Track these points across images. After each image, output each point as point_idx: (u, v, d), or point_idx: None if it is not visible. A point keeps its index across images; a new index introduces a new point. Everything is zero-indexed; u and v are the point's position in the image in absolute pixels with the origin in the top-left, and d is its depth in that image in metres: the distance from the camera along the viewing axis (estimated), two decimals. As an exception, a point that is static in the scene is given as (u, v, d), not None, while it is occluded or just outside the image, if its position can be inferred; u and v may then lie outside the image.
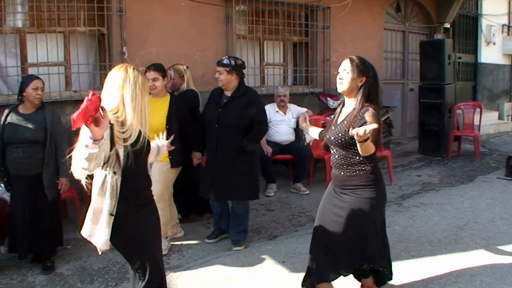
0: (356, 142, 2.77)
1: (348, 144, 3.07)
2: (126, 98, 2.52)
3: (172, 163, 4.41)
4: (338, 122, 3.19)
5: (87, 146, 2.17)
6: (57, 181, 4.26)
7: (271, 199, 6.28)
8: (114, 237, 2.57)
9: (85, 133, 2.17)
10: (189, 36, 6.66)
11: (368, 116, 2.96)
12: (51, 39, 5.73)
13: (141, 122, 2.57)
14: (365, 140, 2.72)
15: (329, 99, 7.56)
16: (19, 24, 5.73)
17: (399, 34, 9.99)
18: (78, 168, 2.28)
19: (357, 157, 3.09)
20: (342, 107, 3.28)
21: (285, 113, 6.77)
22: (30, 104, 4.12)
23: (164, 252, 4.42)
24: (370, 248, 3.16)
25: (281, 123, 6.73)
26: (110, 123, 2.37)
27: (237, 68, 4.46)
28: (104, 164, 2.47)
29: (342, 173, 3.18)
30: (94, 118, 2.09)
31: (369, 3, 8.66)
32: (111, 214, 2.53)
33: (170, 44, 6.48)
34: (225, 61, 4.45)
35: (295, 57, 8.26)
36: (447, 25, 10.37)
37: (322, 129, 3.61)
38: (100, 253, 2.64)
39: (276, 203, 6.11)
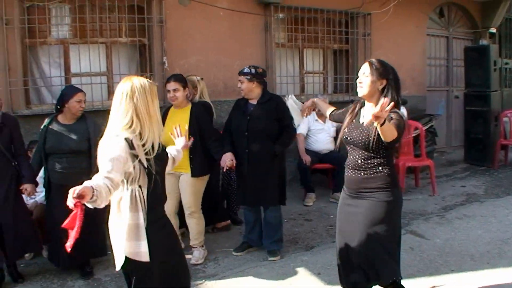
0: (377, 127, 2.71)
1: (375, 146, 3.00)
2: (139, 108, 2.52)
3: (193, 172, 4.43)
4: (360, 123, 3.13)
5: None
6: None
7: (309, 208, 6.24)
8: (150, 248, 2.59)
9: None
10: (228, 45, 6.71)
11: (393, 115, 2.90)
12: (94, 50, 5.89)
13: (156, 128, 2.60)
14: (384, 123, 2.64)
15: (369, 107, 7.45)
16: (63, 35, 5.91)
17: (443, 40, 9.75)
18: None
19: (377, 159, 3.03)
20: (360, 109, 3.22)
21: (324, 122, 6.71)
22: (72, 115, 4.22)
23: (200, 261, 4.50)
24: (385, 263, 3.10)
25: (321, 131, 6.68)
26: (126, 139, 2.46)
27: (258, 76, 4.49)
28: (127, 180, 2.50)
29: (360, 175, 3.10)
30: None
31: (411, 9, 8.49)
32: (146, 228, 2.55)
33: (209, 53, 6.55)
34: (246, 70, 4.50)
35: (335, 65, 8.19)
36: (493, 30, 10.05)
37: (335, 108, 3.59)
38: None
39: (314, 213, 6.06)
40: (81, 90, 4.32)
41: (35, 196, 4.54)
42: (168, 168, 3.04)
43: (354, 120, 3.18)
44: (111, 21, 5.94)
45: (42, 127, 4.27)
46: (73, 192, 2.15)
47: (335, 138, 6.78)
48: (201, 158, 4.46)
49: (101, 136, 2.87)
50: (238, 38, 6.82)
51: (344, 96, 7.99)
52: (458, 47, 9.78)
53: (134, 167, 2.48)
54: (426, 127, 7.58)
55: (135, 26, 6.02)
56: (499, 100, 8.52)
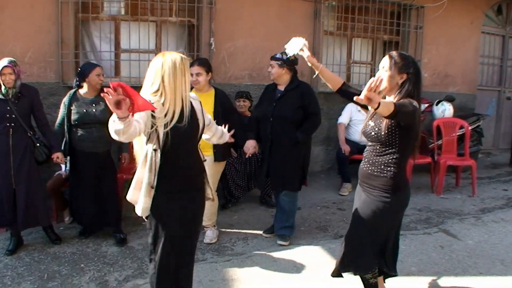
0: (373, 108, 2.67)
1: (384, 138, 2.99)
2: (165, 80, 2.63)
3: (216, 157, 4.52)
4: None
5: (114, 121, 2.34)
6: (120, 156, 4.68)
7: (344, 198, 6.25)
8: (152, 211, 2.77)
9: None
10: (276, 30, 6.72)
11: (405, 101, 2.89)
12: (144, 27, 6.04)
13: (183, 101, 2.69)
14: (378, 107, 2.61)
15: (415, 102, 7.34)
16: (115, 12, 6.09)
17: (498, 39, 9.41)
18: (114, 137, 2.45)
19: (387, 158, 3.02)
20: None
21: (367, 113, 6.65)
22: (92, 88, 4.43)
23: (213, 240, 4.64)
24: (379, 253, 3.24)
25: (362, 122, 6.62)
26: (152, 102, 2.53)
27: (289, 62, 4.53)
28: (148, 139, 2.66)
29: (368, 169, 3.12)
30: (116, 101, 2.23)
31: (466, 5, 8.25)
32: (151, 187, 2.70)
33: (256, 37, 6.59)
34: (278, 55, 4.55)
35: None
36: (554, 31, 9.65)
37: (344, 83, 3.45)
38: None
39: (349, 202, 6.05)
40: (99, 65, 4.55)
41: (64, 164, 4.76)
42: (214, 140, 3.33)
43: (375, 115, 3.13)
44: (162, 0, 6.06)
45: (65, 100, 4.47)
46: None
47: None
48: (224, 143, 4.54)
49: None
50: (287, 24, 6.82)
51: (390, 88, 7.88)
52: (515, 47, 9.44)
53: (151, 132, 2.62)
54: (473, 126, 7.40)
55: (185, 6, 6.11)
56: (552, 104, 8.23)
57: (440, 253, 4.49)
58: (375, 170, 3.07)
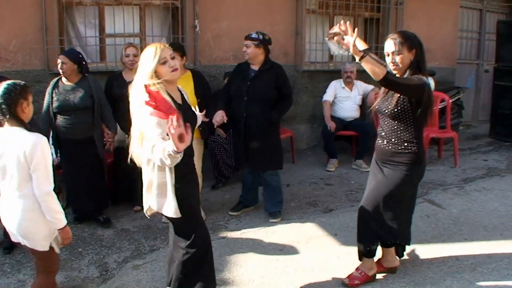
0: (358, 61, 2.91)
1: (397, 114, 3.14)
2: (157, 69, 2.79)
3: (203, 134, 4.61)
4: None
5: (169, 155, 2.43)
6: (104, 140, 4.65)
7: (331, 174, 6.40)
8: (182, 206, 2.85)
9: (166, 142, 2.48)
10: (259, 10, 6.77)
11: (413, 76, 3.05)
12: (128, 12, 6.04)
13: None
14: (363, 57, 2.84)
15: (397, 77, 7.48)
16: (99, -4, 6.07)
17: (476, 13, 9.59)
18: (158, 162, 2.59)
19: (406, 134, 3.17)
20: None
21: (351, 90, 6.79)
22: (75, 75, 4.49)
23: (204, 217, 4.66)
24: (398, 224, 3.38)
25: (347, 99, 6.77)
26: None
27: (265, 42, 4.58)
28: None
29: (389, 147, 3.26)
30: (180, 134, 2.33)
31: (446, -20, 8.39)
32: (176, 186, 2.78)
33: (240, 18, 6.62)
34: (254, 35, 4.57)
35: (365, 33, 8.17)
36: (530, 4, 9.85)
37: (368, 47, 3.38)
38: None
39: (336, 178, 6.22)
40: (62, 54, 4.54)
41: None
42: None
43: (388, 93, 3.27)
44: (146, -17, 6.06)
45: (48, 89, 4.52)
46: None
47: (361, 106, 6.89)
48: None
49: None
50: (269, 4, 6.87)
51: (372, 65, 8.00)
52: (491, 21, 9.60)
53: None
54: (453, 99, 7.57)
55: (168, -12, 6.13)
56: (529, 76, 8.44)
57: (426, 222, 4.68)
58: (398, 148, 3.21)
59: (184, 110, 2.83)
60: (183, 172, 2.83)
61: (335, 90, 6.79)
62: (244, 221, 4.76)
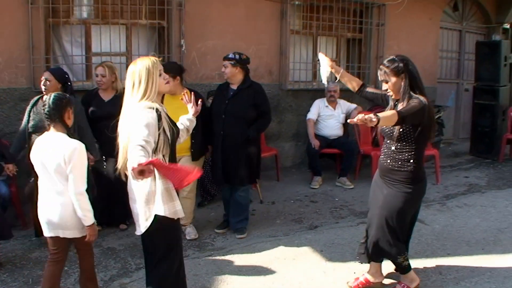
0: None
1: (401, 136, 3.29)
2: (148, 83, 2.83)
3: (193, 156, 4.66)
4: None
5: (133, 167, 2.42)
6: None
7: (315, 191, 6.46)
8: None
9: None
10: (244, 30, 6.89)
11: (412, 100, 3.20)
12: (114, 31, 6.10)
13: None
14: (378, 123, 2.94)
15: (379, 96, 7.62)
16: (85, 15, 6.12)
17: (456, 34, 9.84)
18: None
19: (406, 154, 3.31)
20: (396, 101, 3.42)
21: (334, 108, 6.91)
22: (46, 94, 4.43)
23: (196, 236, 4.80)
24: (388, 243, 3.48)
25: (330, 117, 6.88)
26: (156, 110, 2.77)
27: (242, 62, 4.68)
28: (153, 150, 2.75)
29: (388, 165, 3.41)
30: (140, 171, 2.38)
31: (425, 2, 8.59)
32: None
33: (226, 37, 6.72)
34: (230, 55, 4.69)
35: (348, 54, 8.33)
36: (507, 26, 10.13)
37: (363, 83, 3.79)
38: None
39: (320, 195, 6.29)
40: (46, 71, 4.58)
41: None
42: (182, 140, 3.33)
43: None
44: (132, 3, 6.12)
45: (28, 107, 4.49)
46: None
47: (344, 125, 6.99)
48: (201, 141, 4.71)
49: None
50: (255, 24, 7.00)
51: (355, 84, 8.15)
52: (471, 41, 9.85)
53: (159, 137, 2.77)
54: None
55: (155, 9, 6.20)
56: (507, 95, 8.65)
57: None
58: (396, 166, 3.35)
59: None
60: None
61: (318, 108, 6.89)
62: (231, 238, 4.79)
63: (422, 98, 3.22)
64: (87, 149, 4.49)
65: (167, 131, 2.83)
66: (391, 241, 3.47)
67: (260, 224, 5.18)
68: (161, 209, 2.82)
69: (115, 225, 4.97)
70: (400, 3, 7.83)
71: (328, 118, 6.87)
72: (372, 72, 8.19)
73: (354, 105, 7.03)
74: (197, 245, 4.60)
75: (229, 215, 4.94)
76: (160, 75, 2.87)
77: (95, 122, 4.63)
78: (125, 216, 4.83)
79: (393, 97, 3.39)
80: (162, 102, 4.61)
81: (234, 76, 4.70)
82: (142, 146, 2.55)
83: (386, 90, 3.39)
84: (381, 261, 3.72)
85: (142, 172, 2.37)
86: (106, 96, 4.72)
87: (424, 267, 4.07)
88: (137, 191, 2.88)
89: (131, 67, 2.87)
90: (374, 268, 3.75)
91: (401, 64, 3.28)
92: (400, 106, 3.27)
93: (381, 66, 3.36)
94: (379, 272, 3.77)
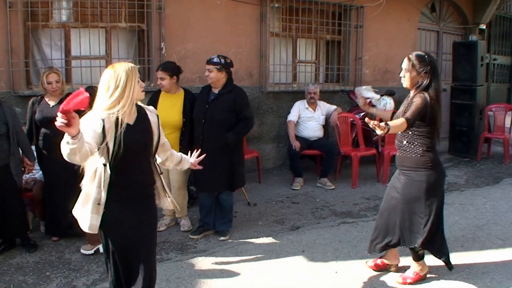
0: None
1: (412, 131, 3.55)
2: (119, 88, 2.59)
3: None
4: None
5: (67, 142, 2.28)
6: (23, 169, 4.55)
7: (297, 192, 6.50)
8: (103, 225, 2.70)
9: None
10: (224, 33, 6.92)
11: (416, 98, 3.43)
12: (94, 34, 6.09)
13: (130, 107, 2.65)
14: (388, 131, 3.16)
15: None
16: (64, 19, 6.10)
17: (433, 34, 9.99)
18: (69, 160, 2.40)
19: (414, 141, 3.55)
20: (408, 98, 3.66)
21: (314, 110, 6.96)
22: None
23: (190, 227, 4.98)
24: (416, 230, 3.68)
25: (310, 119, 6.93)
26: (102, 119, 2.55)
27: (227, 66, 4.66)
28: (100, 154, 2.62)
29: (399, 153, 3.67)
30: (68, 118, 2.20)
31: (403, 3, 8.72)
32: (98, 204, 2.64)
33: (206, 40, 6.75)
34: (216, 60, 4.63)
35: (327, 55, 8.41)
36: (483, 26, 10.30)
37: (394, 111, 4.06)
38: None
39: (302, 196, 6.33)
40: None
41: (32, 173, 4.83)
42: (170, 165, 3.22)
43: (406, 110, 3.55)
44: (111, 6, 6.11)
45: (29, 108, 4.54)
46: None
47: (324, 126, 7.06)
48: (188, 140, 4.78)
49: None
50: (234, 27, 7.03)
51: (334, 85, 8.26)
52: (448, 42, 10.01)
53: (100, 146, 2.58)
54: (413, 118, 7.81)
55: (134, 12, 6.20)
56: (484, 95, 8.83)
57: (390, 237, 4.81)
58: (404, 152, 3.64)
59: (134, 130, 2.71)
60: (121, 196, 2.70)
61: (299, 110, 6.94)
62: (213, 240, 4.79)
63: (426, 94, 3.44)
64: (24, 154, 4.51)
65: (110, 145, 2.59)
66: (412, 228, 3.71)
67: (242, 225, 5.19)
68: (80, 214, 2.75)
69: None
70: (378, 5, 7.94)
71: (309, 119, 6.92)
72: (351, 73, 8.29)
73: (334, 107, 7.11)
74: (180, 248, 4.60)
75: (210, 220, 4.89)
76: (138, 81, 2.70)
77: (41, 127, 4.57)
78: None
79: (404, 85, 3.64)
80: (157, 100, 4.76)
81: (219, 80, 4.65)
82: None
83: (403, 77, 3.61)
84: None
85: (68, 122, 2.20)
86: (52, 101, 4.62)
87: (404, 264, 4.12)
88: None
89: (108, 70, 2.66)
90: (391, 252, 4.00)
91: (428, 65, 3.51)
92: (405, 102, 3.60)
93: (411, 56, 3.57)
94: (396, 256, 4.04)
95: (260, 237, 4.87)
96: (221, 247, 4.63)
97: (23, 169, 4.56)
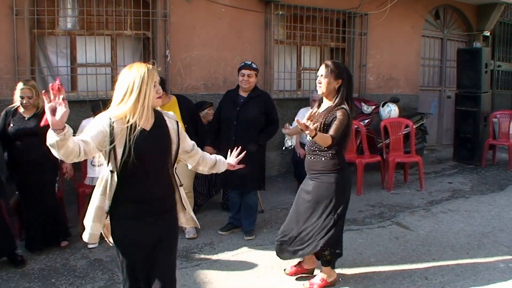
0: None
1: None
2: (134, 90, 2.43)
3: None
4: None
5: (50, 133, 2.15)
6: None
7: (302, 199, 6.48)
8: (115, 241, 2.63)
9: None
10: (229, 40, 6.95)
11: (338, 113, 3.50)
12: (99, 41, 6.13)
13: (145, 116, 2.47)
14: (315, 135, 3.31)
15: (363, 104, 7.71)
16: (70, 26, 6.14)
17: (438, 41, 10.01)
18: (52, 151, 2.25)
19: (319, 145, 3.57)
20: (318, 107, 3.76)
21: (319, 117, 6.96)
22: None
23: (196, 235, 5.01)
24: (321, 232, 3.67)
25: (315, 126, 6.91)
26: (111, 119, 2.41)
27: (258, 71, 4.94)
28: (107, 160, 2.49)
29: (309, 158, 3.70)
30: (52, 108, 2.12)
31: (407, 11, 8.74)
32: (105, 212, 2.54)
33: (210, 48, 6.78)
34: (254, 66, 4.88)
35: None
36: (487, 33, 10.30)
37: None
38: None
39: (307, 203, 6.31)
40: None
41: None
42: (205, 170, 3.04)
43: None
44: (117, 14, 6.16)
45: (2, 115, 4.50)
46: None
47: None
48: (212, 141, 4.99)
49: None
50: (239, 34, 7.06)
51: (339, 93, 8.23)
52: (452, 49, 10.03)
53: (106, 151, 2.45)
54: (417, 125, 7.82)
55: (140, 19, 6.24)
56: (489, 101, 8.82)
57: (395, 244, 4.81)
58: (314, 157, 3.68)
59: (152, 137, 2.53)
60: (133, 211, 2.55)
61: (303, 117, 6.91)
62: (218, 247, 4.79)
63: (346, 108, 3.54)
64: None
65: (119, 151, 2.43)
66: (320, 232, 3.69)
67: (247, 233, 5.19)
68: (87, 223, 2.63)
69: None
70: (382, 13, 7.95)
71: (313, 127, 6.91)
72: (355, 81, 8.26)
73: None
74: (184, 255, 4.59)
75: (239, 217, 5.09)
76: (154, 86, 2.49)
77: (15, 140, 4.45)
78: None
79: (320, 92, 3.68)
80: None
81: (254, 85, 4.89)
82: (82, 139, 2.32)
83: (320, 82, 3.63)
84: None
85: (54, 109, 2.11)
86: (27, 113, 4.51)
87: (410, 273, 4.12)
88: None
89: (124, 72, 2.50)
90: (308, 257, 4.00)
91: (344, 72, 3.62)
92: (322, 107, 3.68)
93: (329, 63, 3.62)
94: (312, 259, 4.05)
95: (265, 244, 4.86)
96: (226, 254, 4.63)
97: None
